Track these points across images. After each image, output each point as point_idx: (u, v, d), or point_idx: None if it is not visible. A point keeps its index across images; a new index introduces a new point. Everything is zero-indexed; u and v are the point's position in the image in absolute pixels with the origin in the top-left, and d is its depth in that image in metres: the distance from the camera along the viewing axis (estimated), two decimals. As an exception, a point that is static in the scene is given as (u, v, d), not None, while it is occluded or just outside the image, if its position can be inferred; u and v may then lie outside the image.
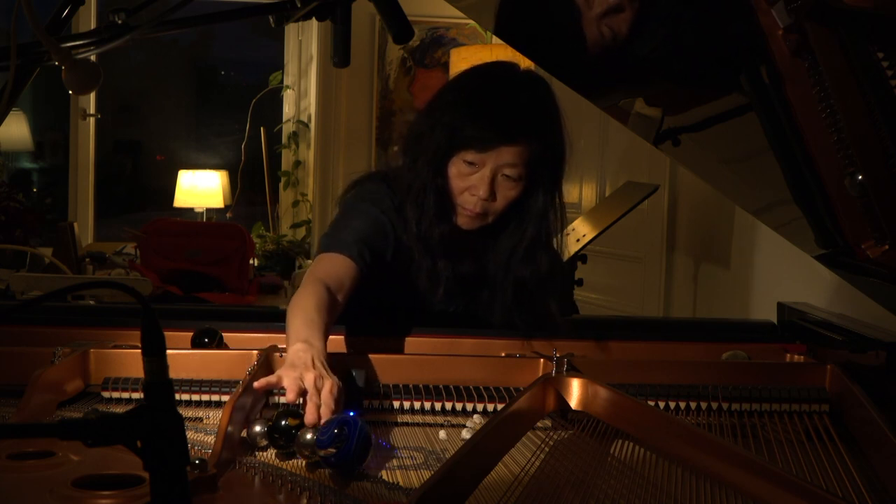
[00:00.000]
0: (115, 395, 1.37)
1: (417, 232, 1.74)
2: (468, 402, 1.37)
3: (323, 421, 1.21)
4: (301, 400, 1.24)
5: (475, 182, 1.69)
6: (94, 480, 1.02)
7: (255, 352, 1.41)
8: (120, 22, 1.08)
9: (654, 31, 1.52)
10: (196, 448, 1.17)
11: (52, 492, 0.99)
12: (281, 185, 5.79)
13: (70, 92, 1.12)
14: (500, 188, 1.70)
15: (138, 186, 6.65)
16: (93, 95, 5.56)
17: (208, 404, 1.36)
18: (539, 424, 1.29)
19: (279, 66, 5.82)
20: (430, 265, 1.76)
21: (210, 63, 6.98)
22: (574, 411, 1.31)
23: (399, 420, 1.35)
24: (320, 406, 1.23)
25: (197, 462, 1.02)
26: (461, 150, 1.69)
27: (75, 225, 4.52)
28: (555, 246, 1.79)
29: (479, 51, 4.74)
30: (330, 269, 1.63)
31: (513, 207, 1.74)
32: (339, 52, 1.24)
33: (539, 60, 1.81)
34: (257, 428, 1.19)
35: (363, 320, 1.69)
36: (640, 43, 1.53)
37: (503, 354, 1.57)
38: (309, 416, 1.21)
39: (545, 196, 1.75)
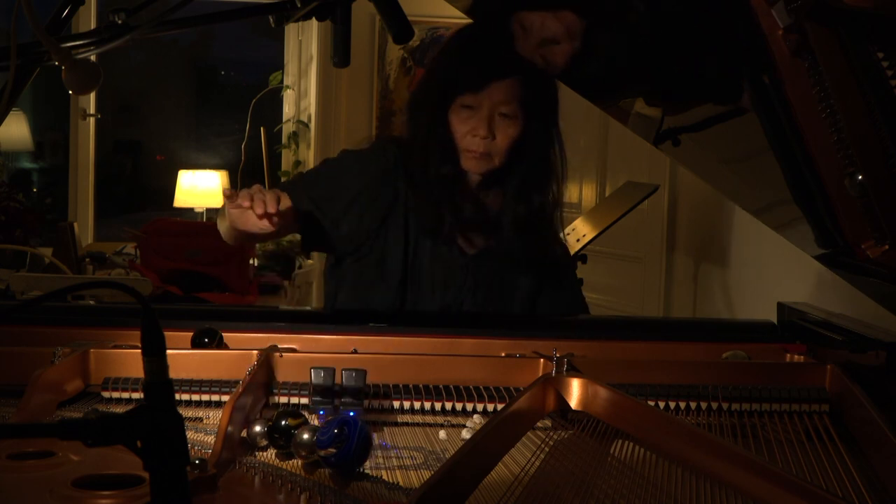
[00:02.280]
0: (115, 395, 1.37)
1: (425, 175, 1.88)
2: (468, 402, 1.37)
3: (258, 209, 1.60)
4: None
5: (475, 123, 1.83)
6: (94, 480, 1.02)
7: (255, 352, 1.41)
8: (120, 22, 1.08)
9: (652, 31, 1.52)
10: (196, 448, 1.17)
11: (52, 492, 0.99)
12: (281, 185, 5.79)
13: (70, 92, 1.12)
14: (499, 127, 1.84)
15: (138, 186, 6.65)
16: (93, 95, 5.56)
17: (208, 404, 1.36)
18: (539, 424, 1.29)
19: (279, 66, 5.82)
20: (434, 208, 1.89)
21: (210, 63, 6.98)
22: (574, 411, 1.31)
23: (399, 420, 1.35)
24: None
25: (197, 462, 1.02)
26: (458, 95, 1.84)
27: (75, 225, 4.52)
28: (556, 186, 1.94)
29: (479, 51, 4.74)
30: None
31: (516, 152, 1.87)
32: (339, 52, 1.24)
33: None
34: (257, 428, 1.19)
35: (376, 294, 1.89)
36: (641, 43, 1.53)
37: (503, 354, 1.57)
38: (257, 208, 1.60)
39: (544, 133, 1.89)
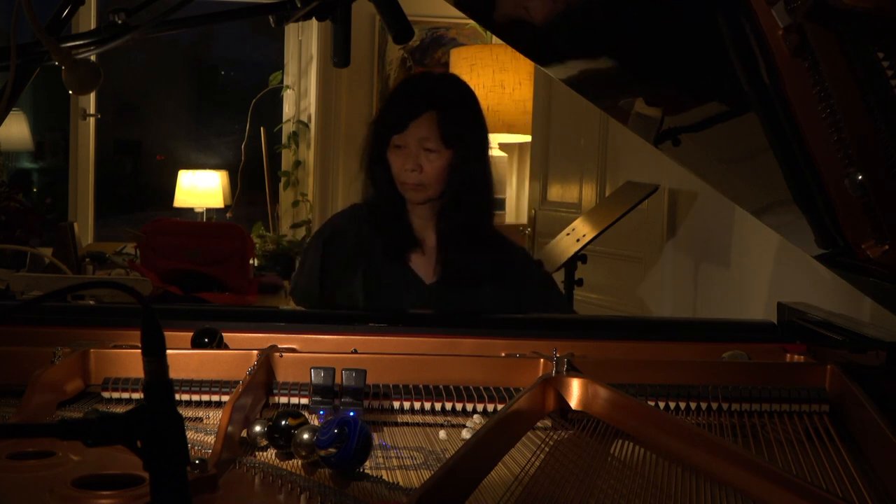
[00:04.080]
0: (115, 395, 1.37)
1: (377, 209, 2.20)
2: (468, 402, 1.37)
3: None
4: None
5: (404, 159, 2.13)
6: (94, 480, 1.02)
7: (255, 352, 1.41)
8: (120, 22, 1.08)
9: (651, 31, 1.52)
10: (196, 448, 1.17)
11: (52, 492, 0.99)
12: (281, 185, 5.79)
13: (70, 92, 1.12)
14: (426, 161, 2.13)
15: (138, 186, 6.66)
16: (93, 95, 5.57)
17: (208, 404, 1.36)
18: (539, 424, 1.29)
19: (279, 66, 5.82)
20: (386, 236, 2.18)
21: (210, 63, 6.99)
22: (574, 411, 1.31)
23: (399, 420, 1.35)
24: None
25: (197, 462, 1.02)
26: (388, 137, 2.14)
27: (75, 225, 4.51)
28: (481, 199, 2.19)
29: (479, 51, 4.74)
30: None
31: (449, 181, 2.15)
32: (339, 52, 1.24)
33: (538, 60, 1.81)
34: (257, 428, 1.19)
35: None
36: (639, 42, 1.53)
37: (503, 354, 1.57)
38: None
39: (467, 161, 2.14)
